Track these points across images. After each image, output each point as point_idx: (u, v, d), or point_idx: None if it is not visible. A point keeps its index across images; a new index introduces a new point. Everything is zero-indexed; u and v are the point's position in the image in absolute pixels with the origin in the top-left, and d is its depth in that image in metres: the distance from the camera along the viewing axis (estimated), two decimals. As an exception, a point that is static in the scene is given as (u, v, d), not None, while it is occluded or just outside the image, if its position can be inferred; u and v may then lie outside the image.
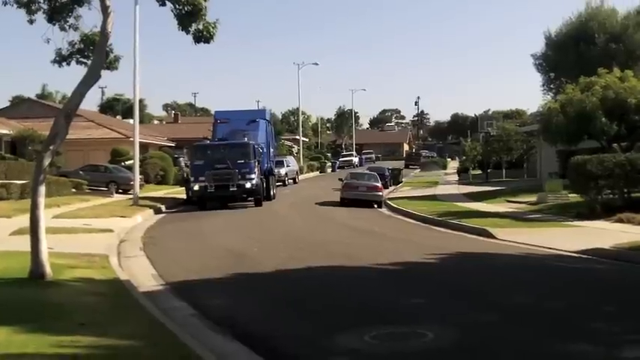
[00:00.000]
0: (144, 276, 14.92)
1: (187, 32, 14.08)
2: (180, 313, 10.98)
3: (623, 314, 10.66)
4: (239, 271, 15.17)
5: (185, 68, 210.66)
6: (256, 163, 36.16)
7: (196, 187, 34.79)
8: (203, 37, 14.11)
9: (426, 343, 8.92)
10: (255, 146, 37.04)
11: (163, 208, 34.65)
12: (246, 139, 37.38)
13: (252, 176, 35.09)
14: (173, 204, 37.49)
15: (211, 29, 14.06)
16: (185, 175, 42.23)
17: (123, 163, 50.28)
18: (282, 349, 8.98)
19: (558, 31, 52.66)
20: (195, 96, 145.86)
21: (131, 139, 38.95)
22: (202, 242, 21.27)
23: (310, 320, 10.56)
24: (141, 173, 39.70)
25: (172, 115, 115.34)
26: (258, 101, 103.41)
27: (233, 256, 17.88)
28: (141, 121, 46.77)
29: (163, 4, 13.98)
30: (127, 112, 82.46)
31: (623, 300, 11.91)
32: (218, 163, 34.87)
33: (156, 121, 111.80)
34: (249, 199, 35.99)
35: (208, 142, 39.45)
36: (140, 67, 34.37)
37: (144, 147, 54.04)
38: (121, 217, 27.72)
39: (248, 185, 34.93)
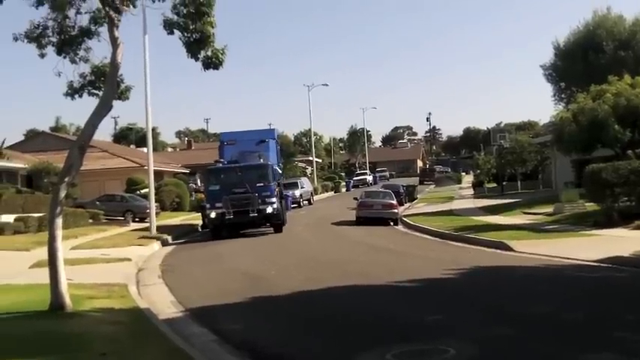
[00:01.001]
0: (163, 303, 14.96)
1: (196, 59, 14.20)
2: (200, 339, 10.99)
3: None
4: (257, 295, 15.17)
5: (196, 94, 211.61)
6: (276, 186, 34.34)
7: (213, 215, 32.37)
8: (212, 63, 14.22)
9: None
10: (274, 167, 35.73)
11: (180, 235, 34.72)
12: (262, 160, 35.25)
13: (273, 200, 32.85)
14: (189, 230, 37.59)
15: (220, 55, 14.17)
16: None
17: (138, 192, 50.47)
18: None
19: (567, 41, 52.72)
20: (207, 122, 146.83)
21: (145, 167, 39.01)
22: (219, 267, 21.30)
23: (329, 341, 10.54)
24: (157, 201, 39.81)
25: (185, 142, 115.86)
26: (270, 124, 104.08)
27: (250, 280, 17.89)
28: (154, 149, 47.05)
29: (171, 32, 14.10)
30: (141, 141, 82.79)
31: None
32: (235, 187, 32.55)
33: (169, 149, 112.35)
34: (267, 224, 33.77)
35: (222, 164, 35.91)
36: (151, 95, 34.45)
37: (159, 175, 54.24)
38: (139, 245, 27.82)
39: (269, 210, 32.58)
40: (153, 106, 36.62)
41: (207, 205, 33.43)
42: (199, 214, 41.33)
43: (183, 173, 70.42)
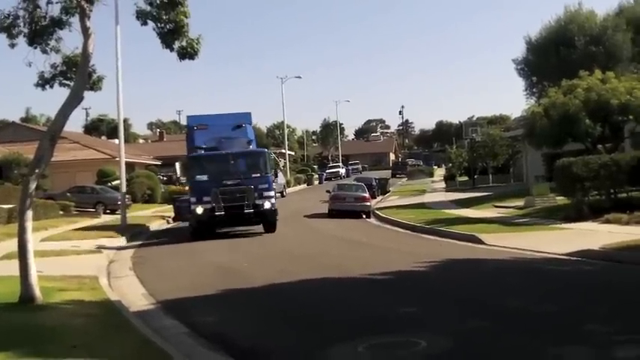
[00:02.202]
0: (134, 296, 14.87)
1: (171, 50, 14.12)
2: (171, 332, 10.94)
3: (614, 315, 10.69)
4: (230, 287, 15.14)
5: (168, 86, 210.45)
6: (273, 177, 30.45)
7: (200, 210, 27.45)
8: (187, 53, 14.15)
9: (419, 352, 8.92)
10: (272, 156, 32.12)
11: (152, 226, 34.53)
12: (251, 146, 31.00)
13: (272, 193, 28.62)
14: (160, 223, 37.38)
15: (195, 45, 14.11)
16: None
17: (109, 184, 50.12)
18: (275, 364, 8.96)
19: (538, 36, 52.96)
20: (179, 113, 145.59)
21: (117, 159, 38.65)
22: (192, 259, 21.22)
23: (303, 333, 10.54)
24: (128, 193, 39.52)
25: (157, 134, 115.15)
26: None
27: (223, 272, 17.85)
28: (126, 141, 46.70)
29: (145, 23, 14.00)
30: (112, 132, 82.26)
31: (613, 300, 11.96)
32: (227, 178, 27.79)
33: (141, 140, 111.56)
34: (259, 222, 29.05)
35: (204, 152, 29.88)
36: (123, 86, 34.18)
37: (130, 166, 53.80)
38: (110, 237, 27.61)
39: (267, 205, 27.97)
40: (125, 98, 36.57)
41: (193, 199, 28.08)
42: (171, 205, 41.12)
43: (155, 165, 70.07)
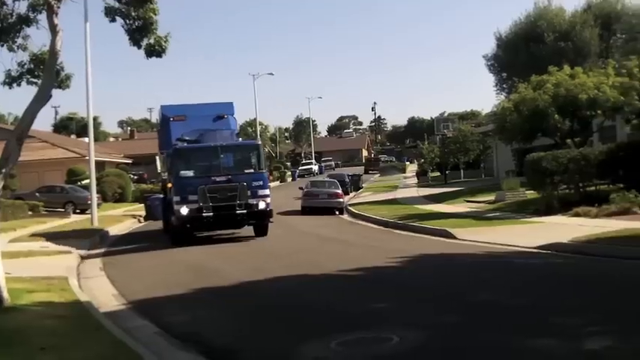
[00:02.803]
0: (105, 296, 14.73)
1: (139, 47, 14.04)
2: (143, 332, 10.84)
3: (584, 306, 10.78)
4: (203, 286, 15.05)
5: (139, 84, 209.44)
6: (268, 174, 28.17)
7: (184, 211, 24.08)
8: (155, 51, 14.06)
9: (391, 347, 8.92)
10: (266, 150, 30.03)
11: (122, 226, 34.30)
12: (239, 139, 29.08)
13: (267, 192, 25.33)
14: (132, 223, 37.14)
15: (163, 43, 14.03)
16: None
17: (79, 183, 49.71)
18: (248, 362, 8.92)
19: (508, 32, 53.50)
20: (150, 111, 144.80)
21: (87, 157, 38.32)
22: (163, 258, 21.09)
23: (276, 331, 10.51)
24: (98, 192, 39.24)
25: (128, 132, 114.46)
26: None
27: (196, 271, 17.75)
28: (96, 139, 46.30)
29: (113, 20, 13.91)
30: (82, 131, 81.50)
31: (583, 293, 12.06)
32: (216, 174, 24.73)
33: (111, 139, 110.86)
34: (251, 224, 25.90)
35: (189, 143, 26.32)
36: (93, 84, 33.93)
37: (100, 165, 53.45)
38: (80, 238, 27.33)
39: (262, 205, 24.89)
40: (94, 96, 36.14)
41: (176, 198, 24.56)
42: (142, 204, 40.87)
43: (126, 163, 69.62)
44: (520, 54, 49.39)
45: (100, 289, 15.86)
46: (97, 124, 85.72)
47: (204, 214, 24.11)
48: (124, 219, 37.74)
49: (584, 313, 10.34)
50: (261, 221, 25.41)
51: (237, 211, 24.49)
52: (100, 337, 10.05)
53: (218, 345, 9.73)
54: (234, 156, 26.17)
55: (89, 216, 35.03)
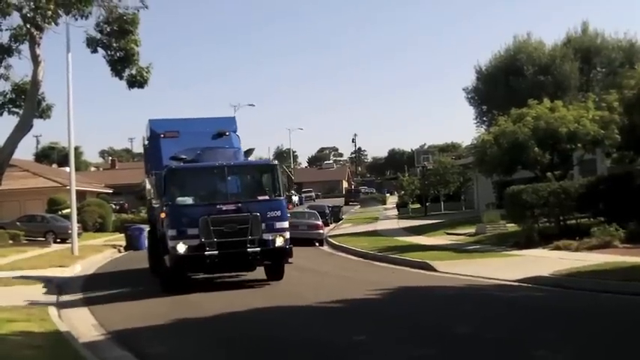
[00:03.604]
0: (84, 326, 14.61)
1: (121, 78, 14.16)
2: (122, 363, 10.76)
3: (564, 340, 10.82)
4: (181, 317, 14.96)
5: (120, 114, 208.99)
6: (287, 202, 22.87)
7: (182, 249, 19.02)
8: (137, 81, 14.19)
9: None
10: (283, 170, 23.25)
11: (101, 256, 34.08)
12: (248, 158, 22.99)
13: (285, 225, 20.20)
14: (111, 252, 36.92)
15: (145, 74, 14.17)
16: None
17: (60, 212, 49.45)
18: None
19: (488, 65, 53.99)
20: (131, 141, 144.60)
21: (68, 187, 38.15)
22: (143, 289, 20.94)
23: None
24: (79, 221, 39.02)
25: (109, 162, 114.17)
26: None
27: (175, 301, 17.64)
28: (77, 169, 46.14)
29: (95, 51, 14.00)
30: (63, 160, 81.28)
31: (563, 326, 12.11)
32: (222, 202, 19.68)
33: (93, 168, 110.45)
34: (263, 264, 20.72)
35: (187, 163, 20.92)
36: (74, 114, 33.79)
37: (81, 195, 53.21)
38: (60, 266, 27.13)
39: (279, 242, 19.79)
40: (76, 125, 36.08)
41: (171, 232, 19.32)
42: (123, 234, 40.76)
43: (107, 193, 69.37)
44: (500, 87, 49.85)
45: (79, 319, 15.70)
46: (78, 153, 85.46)
47: (207, 253, 18.96)
48: (104, 249, 37.50)
49: (565, 346, 10.38)
50: (277, 262, 20.37)
51: (249, 249, 19.31)
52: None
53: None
54: (245, 179, 21.74)
55: (70, 245, 34.77)
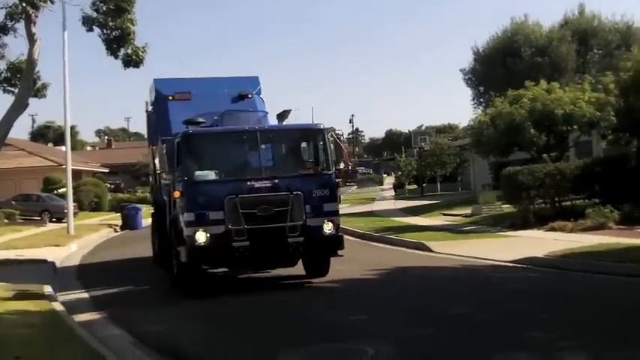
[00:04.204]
0: (80, 305, 14.68)
1: (116, 57, 14.11)
2: (118, 341, 10.82)
3: (558, 321, 10.88)
4: (178, 297, 15.03)
5: (117, 93, 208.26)
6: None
7: (202, 238, 14.81)
8: (132, 61, 14.15)
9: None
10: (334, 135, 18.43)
11: (97, 236, 34.13)
12: (285, 120, 19.13)
13: (335, 207, 15.93)
14: (107, 232, 36.98)
15: (140, 53, 14.12)
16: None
17: (56, 191, 49.47)
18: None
19: (486, 46, 53.81)
20: (128, 120, 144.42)
21: (63, 166, 38.11)
22: (138, 268, 20.99)
23: (252, 342, 10.51)
24: (75, 201, 39.03)
25: (105, 141, 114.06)
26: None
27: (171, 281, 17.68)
28: (73, 148, 46.09)
29: (91, 29, 13.94)
30: (59, 140, 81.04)
31: (557, 307, 12.16)
32: (255, 178, 15.35)
33: (89, 148, 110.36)
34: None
35: (211, 126, 17.33)
36: (70, 93, 33.76)
37: (77, 174, 53.18)
38: (56, 246, 27.20)
39: (328, 229, 15.56)
40: (72, 104, 36.01)
41: (188, 217, 15.04)
42: (119, 214, 40.81)
43: (103, 173, 69.36)
44: (497, 68, 49.74)
45: (75, 298, 15.79)
46: (74, 132, 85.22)
47: (235, 244, 14.67)
48: (100, 228, 37.55)
49: (557, 327, 10.44)
50: (325, 254, 16.09)
51: (290, 239, 15.00)
52: (75, 346, 10.02)
53: (194, 355, 9.74)
54: (283, 148, 17.38)
55: (65, 224, 34.83)
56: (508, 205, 30.53)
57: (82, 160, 68.23)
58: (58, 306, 14.02)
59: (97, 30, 13.79)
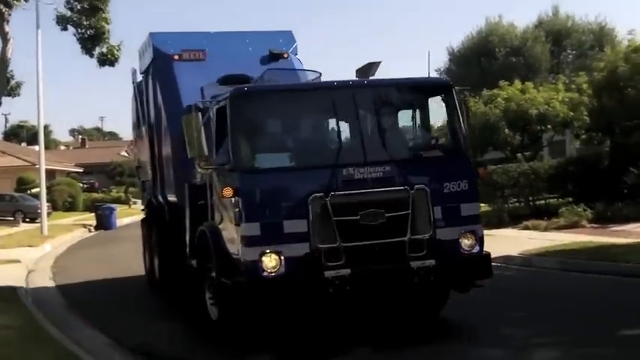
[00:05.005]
0: (54, 306, 14.56)
1: (91, 56, 14.02)
2: (93, 342, 10.74)
3: (531, 319, 10.97)
4: (155, 297, 14.96)
5: (91, 92, 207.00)
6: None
7: (271, 264, 9.14)
8: (107, 60, 14.06)
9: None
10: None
11: (71, 236, 33.90)
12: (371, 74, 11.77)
13: (476, 210, 10.69)
14: (82, 232, 36.77)
15: (115, 52, 14.03)
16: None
17: (29, 191, 49.10)
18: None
19: (461, 47, 54.21)
20: (102, 120, 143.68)
21: (37, 166, 37.82)
22: (116, 268, 20.80)
23: (225, 342, 10.49)
24: (48, 200, 38.74)
25: (79, 140, 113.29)
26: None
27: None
28: (47, 147, 45.69)
29: (65, 28, 13.84)
30: (33, 139, 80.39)
31: (532, 305, 12.25)
32: (352, 163, 9.61)
33: (62, 147, 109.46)
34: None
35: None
36: (44, 92, 33.33)
37: (51, 174, 52.78)
38: (29, 246, 26.96)
39: (468, 245, 10.12)
40: (46, 104, 35.73)
41: (247, 229, 9.33)
42: (93, 214, 40.62)
43: (77, 172, 68.91)
44: (472, 68, 50.08)
45: (49, 299, 15.66)
46: (47, 132, 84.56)
47: (327, 274, 9.21)
48: (74, 228, 37.28)
49: (534, 324, 10.53)
50: (462, 285, 10.43)
51: (413, 262, 9.50)
52: (50, 348, 9.94)
53: (171, 357, 9.72)
54: (391, 116, 10.89)
55: (39, 225, 34.52)
56: (483, 204, 30.65)
57: (56, 160, 67.72)
58: (32, 307, 13.91)
59: (71, 29, 13.74)
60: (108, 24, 13.62)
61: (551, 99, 29.42)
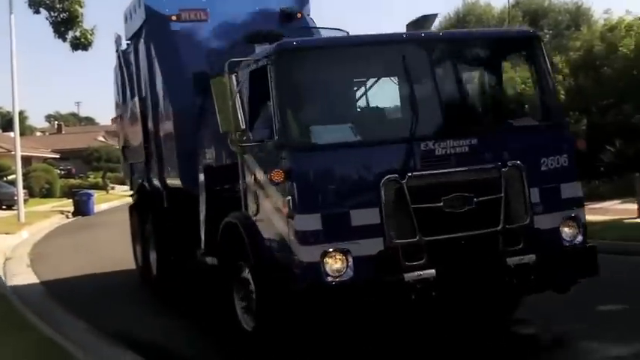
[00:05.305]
0: (32, 293, 14.45)
1: (64, 40, 13.84)
2: (72, 329, 10.67)
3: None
4: (136, 286, 14.88)
5: (66, 77, 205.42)
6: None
7: (336, 266, 7.19)
8: (80, 44, 13.90)
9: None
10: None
11: (49, 222, 33.68)
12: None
13: (577, 191, 8.24)
14: (59, 219, 36.55)
15: (89, 36, 13.88)
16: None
17: (5, 178, 48.66)
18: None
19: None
20: (78, 105, 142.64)
21: (13, 152, 37.48)
22: (95, 255, 20.67)
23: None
24: (25, 187, 38.44)
25: (55, 126, 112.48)
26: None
27: (131, 269, 17.51)
28: (22, 134, 45.25)
29: (37, 12, 13.67)
30: (8, 125, 79.62)
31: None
32: (430, 136, 7.67)
33: (38, 133, 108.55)
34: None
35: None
36: (19, 77, 33.23)
37: (27, 160, 52.37)
38: (6, 233, 26.73)
39: (570, 235, 8.07)
40: (20, 89, 35.42)
41: (305, 224, 7.30)
42: (70, 200, 40.37)
43: (54, 158, 68.48)
44: (449, 49, 50.21)
45: (27, 286, 15.55)
46: (23, 118, 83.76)
47: (408, 276, 7.27)
48: (51, 214, 36.99)
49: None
50: (565, 283, 8.24)
51: (509, 258, 7.64)
52: (28, 335, 9.88)
53: (149, 342, 9.69)
54: (476, 77, 9.38)
55: (16, 212, 34.23)
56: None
57: (32, 146, 67.22)
58: (9, 293, 13.82)
59: (44, 12, 13.55)
60: (81, 7, 13.45)
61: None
